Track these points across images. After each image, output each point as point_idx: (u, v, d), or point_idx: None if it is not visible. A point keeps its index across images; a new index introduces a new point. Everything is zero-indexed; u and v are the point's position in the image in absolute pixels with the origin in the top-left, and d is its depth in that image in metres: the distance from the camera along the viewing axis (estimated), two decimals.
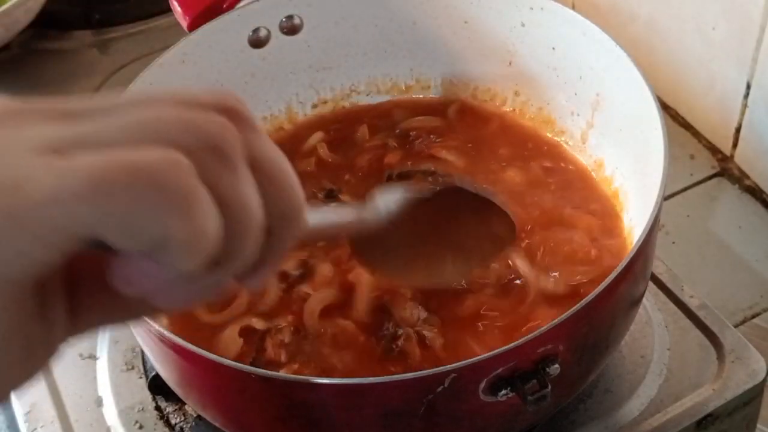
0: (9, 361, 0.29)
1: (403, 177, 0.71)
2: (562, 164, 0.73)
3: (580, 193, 0.70)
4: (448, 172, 0.71)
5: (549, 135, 0.75)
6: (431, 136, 0.76)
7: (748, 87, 0.82)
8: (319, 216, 0.46)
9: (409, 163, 0.73)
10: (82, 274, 0.31)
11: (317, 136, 0.77)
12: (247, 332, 0.62)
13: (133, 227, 0.27)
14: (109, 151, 0.27)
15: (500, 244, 0.61)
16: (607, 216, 0.68)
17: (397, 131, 0.77)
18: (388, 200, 0.55)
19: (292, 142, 0.77)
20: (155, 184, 0.27)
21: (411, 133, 0.76)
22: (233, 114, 0.31)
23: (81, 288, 0.31)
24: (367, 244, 0.55)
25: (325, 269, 0.65)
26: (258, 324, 0.62)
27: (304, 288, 0.64)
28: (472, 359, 0.49)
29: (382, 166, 0.74)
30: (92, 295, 0.31)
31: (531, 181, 0.71)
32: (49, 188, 0.26)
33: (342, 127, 0.79)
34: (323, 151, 0.75)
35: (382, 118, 0.79)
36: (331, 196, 0.70)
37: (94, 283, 0.31)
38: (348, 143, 0.77)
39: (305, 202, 0.33)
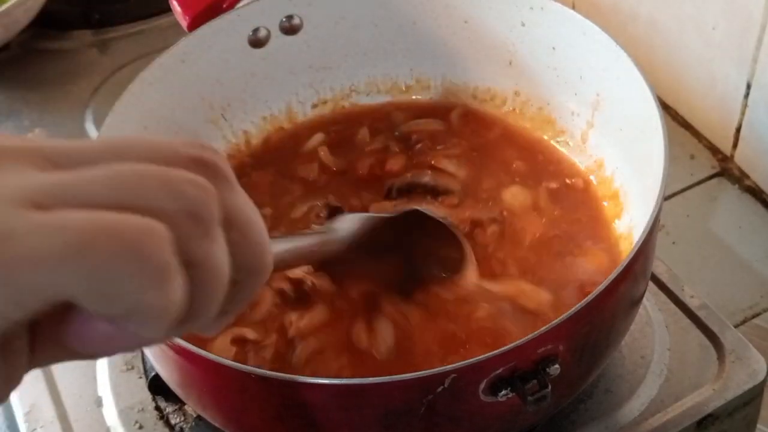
0: None
1: (403, 191, 0.71)
2: (568, 181, 0.72)
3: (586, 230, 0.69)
4: (447, 186, 0.70)
5: (549, 137, 0.75)
6: (433, 141, 0.76)
7: (749, 87, 0.82)
8: (284, 246, 0.50)
9: (409, 174, 0.72)
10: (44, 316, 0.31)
11: (318, 138, 0.77)
12: (238, 341, 0.62)
13: (108, 294, 0.27)
14: (90, 211, 0.28)
15: (452, 268, 0.64)
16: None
17: (397, 133, 0.77)
18: (349, 223, 0.58)
19: (292, 143, 0.77)
20: (135, 255, 0.27)
21: (412, 137, 0.76)
22: (210, 169, 0.31)
23: (43, 327, 0.31)
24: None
25: (318, 314, 0.63)
26: (250, 334, 0.62)
27: (294, 317, 0.63)
28: (472, 359, 0.49)
29: (384, 173, 0.73)
30: (53, 334, 0.31)
31: (534, 204, 0.70)
32: (30, 248, 0.27)
33: (342, 128, 0.79)
34: (324, 154, 0.75)
35: (383, 120, 0.79)
36: (333, 215, 0.69)
37: (54, 325, 0.31)
38: (348, 146, 0.77)
39: (271, 254, 0.34)
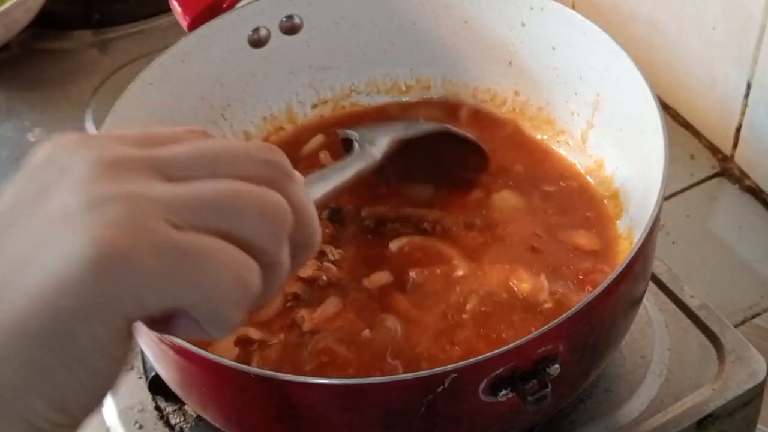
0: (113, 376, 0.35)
1: (380, 223, 0.69)
2: (563, 184, 0.72)
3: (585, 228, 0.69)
4: (425, 216, 0.70)
5: (549, 137, 0.75)
6: None
7: (749, 87, 0.82)
8: (325, 185, 0.58)
9: (386, 207, 0.71)
10: None
11: (318, 140, 0.77)
12: (242, 341, 0.62)
13: (212, 310, 0.35)
14: (208, 239, 0.34)
15: (475, 170, 0.72)
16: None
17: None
18: (381, 144, 0.66)
19: (292, 144, 0.77)
20: (239, 285, 0.35)
21: None
22: (278, 169, 0.38)
23: None
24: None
25: (332, 305, 0.64)
26: (255, 334, 0.62)
27: (304, 313, 0.63)
28: (472, 359, 0.49)
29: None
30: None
31: (528, 205, 0.71)
32: (167, 264, 0.33)
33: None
34: (325, 157, 0.75)
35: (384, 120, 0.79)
36: (334, 218, 0.69)
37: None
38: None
39: (320, 231, 0.40)
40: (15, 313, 0.32)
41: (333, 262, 0.66)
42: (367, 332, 0.62)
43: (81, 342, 0.33)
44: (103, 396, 0.35)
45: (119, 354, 0.34)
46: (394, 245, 0.67)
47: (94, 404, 0.35)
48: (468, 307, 0.63)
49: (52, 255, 0.32)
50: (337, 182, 0.60)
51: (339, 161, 0.65)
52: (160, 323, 0.36)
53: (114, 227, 0.32)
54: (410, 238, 0.68)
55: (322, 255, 0.66)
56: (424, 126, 0.71)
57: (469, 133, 0.72)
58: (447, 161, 0.71)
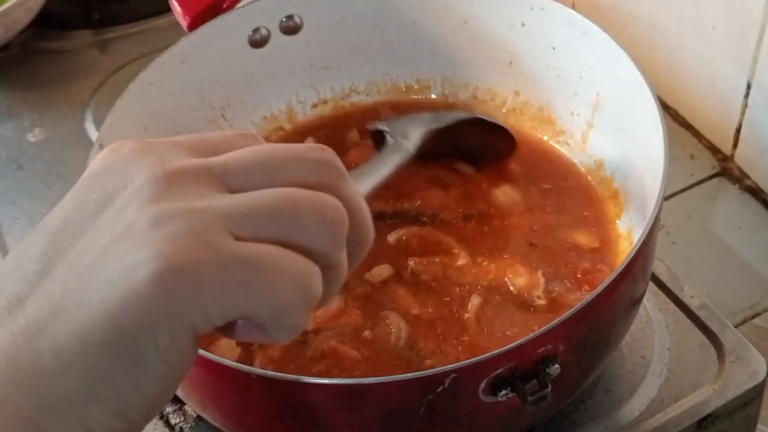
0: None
1: (378, 217, 0.69)
2: (562, 183, 0.72)
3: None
4: (432, 212, 0.70)
5: (549, 137, 0.75)
6: None
7: (749, 87, 0.82)
8: (366, 182, 0.59)
9: (391, 201, 0.70)
10: None
11: (308, 142, 0.77)
12: (244, 341, 0.62)
13: (275, 317, 0.35)
14: (269, 248, 0.35)
15: (502, 153, 0.73)
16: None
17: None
18: (414, 137, 0.67)
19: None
20: (301, 292, 0.35)
21: None
22: (331, 169, 0.38)
23: None
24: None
25: (334, 302, 0.63)
26: None
27: None
28: (472, 359, 0.49)
29: None
30: None
31: (527, 203, 0.71)
32: (230, 276, 0.34)
33: (332, 132, 0.78)
34: None
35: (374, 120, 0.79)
36: None
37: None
38: (338, 146, 0.76)
39: (373, 229, 0.40)
40: (81, 323, 0.33)
41: None
42: (368, 333, 0.62)
43: (145, 353, 0.33)
44: (163, 403, 0.36)
45: (181, 363, 0.35)
46: (392, 237, 0.67)
47: (154, 411, 0.36)
48: (470, 299, 0.63)
49: (118, 268, 0.33)
50: (377, 179, 0.61)
51: (375, 157, 0.66)
52: (223, 327, 0.36)
53: (178, 242, 0.33)
54: (408, 228, 0.68)
55: None
56: (454, 114, 0.73)
57: (497, 120, 0.74)
58: (474, 146, 0.73)
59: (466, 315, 0.62)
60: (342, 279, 0.39)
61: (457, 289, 0.64)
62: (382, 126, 0.69)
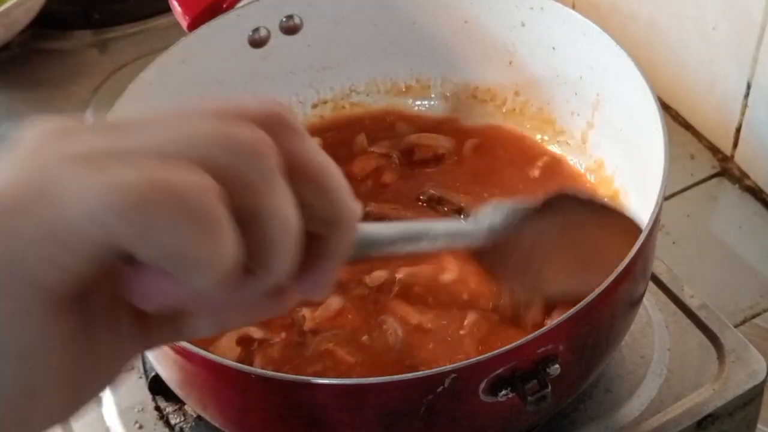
0: (66, 378, 0.29)
1: (434, 201, 0.70)
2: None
3: None
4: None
5: (549, 137, 0.75)
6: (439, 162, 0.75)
7: (749, 87, 0.82)
8: (414, 231, 0.45)
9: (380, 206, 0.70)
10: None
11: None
12: (244, 341, 0.62)
13: (158, 243, 0.28)
14: (142, 166, 0.28)
15: (625, 251, 0.53)
16: None
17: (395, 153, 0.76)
18: (492, 215, 0.52)
19: None
20: (185, 207, 0.28)
21: (414, 153, 0.76)
22: (275, 121, 0.31)
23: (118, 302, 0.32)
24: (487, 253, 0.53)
25: (333, 304, 0.63)
26: (256, 333, 0.62)
27: (306, 312, 0.63)
28: (472, 359, 0.49)
29: (380, 182, 0.73)
30: (121, 300, 0.31)
31: None
32: (82, 202, 0.27)
33: (338, 133, 0.78)
34: None
35: (385, 128, 0.78)
36: None
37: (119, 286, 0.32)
38: (346, 150, 0.76)
39: (353, 203, 0.34)
40: None
41: None
42: (366, 338, 0.62)
43: None
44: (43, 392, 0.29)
45: (45, 339, 0.28)
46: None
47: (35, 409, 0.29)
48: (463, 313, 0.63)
49: None
50: (434, 234, 0.47)
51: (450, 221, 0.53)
52: (133, 287, 0.30)
53: (17, 174, 0.28)
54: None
55: None
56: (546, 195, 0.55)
57: (613, 204, 0.60)
58: (587, 243, 0.57)
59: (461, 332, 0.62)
60: (282, 238, 0.31)
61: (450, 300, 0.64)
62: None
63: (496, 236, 0.51)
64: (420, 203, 0.71)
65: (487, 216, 0.52)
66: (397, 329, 0.61)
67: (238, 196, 0.29)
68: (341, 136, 0.78)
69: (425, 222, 0.48)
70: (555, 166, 0.74)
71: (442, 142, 0.76)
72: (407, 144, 0.76)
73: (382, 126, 0.79)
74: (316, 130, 0.78)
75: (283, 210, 0.30)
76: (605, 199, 0.60)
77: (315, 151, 0.32)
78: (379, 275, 0.65)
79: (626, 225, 0.56)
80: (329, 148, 0.75)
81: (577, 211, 0.56)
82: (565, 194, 0.56)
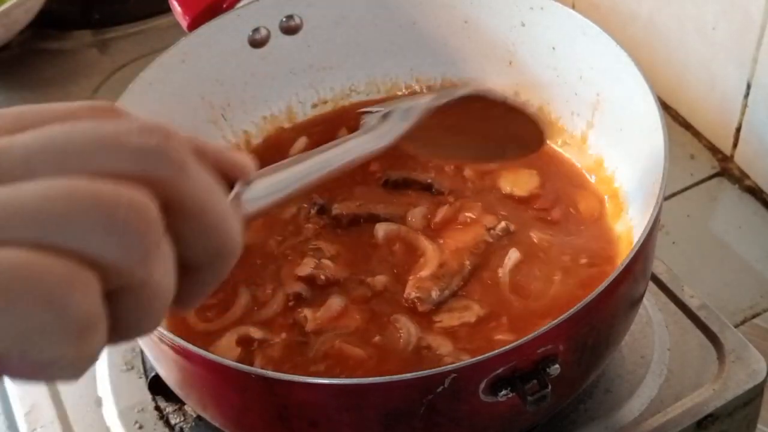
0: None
1: (399, 185, 0.71)
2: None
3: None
4: (442, 186, 0.70)
5: (549, 137, 0.75)
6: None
7: (749, 87, 0.82)
8: (333, 156, 0.44)
9: (356, 203, 0.70)
10: None
11: (301, 143, 0.77)
12: (244, 341, 0.62)
13: (29, 348, 0.26)
14: (12, 252, 0.26)
15: (526, 148, 0.62)
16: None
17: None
18: (399, 119, 0.52)
19: (278, 147, 0.77)
20: (52, 309, 0.26)
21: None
22: (155, 160, 0.29)
23: None
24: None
25: (335, 304, 0.63)
26: (256, 333, 0.62)
27: (307, 313, 0.63)
28: (472, 359, 0.49)
29: (367, 173, 0.73)
30: None
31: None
32: None
33: (324, 129, 0.78)
34: None
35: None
36: (322, 213, 0.70)
37: None
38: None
39: (239, 235, 0.32)
40: None
41: (330, 258, 0.66)
42: (378, 338, 0.62)
43: None
44: None
45: None
46: (379, 233, 0.68)
47: None
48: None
49: None
50: (353, 153, 0.47)
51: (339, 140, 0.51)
52: None
53: None
54: (388, 225, 0.68)
55: (318, 252, 0.66)
56: (458, 91, 0.60)
57: (519, 103, 0.64)
58: (489, 134, 0.62)
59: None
60: (162, 302, 0.29)
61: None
62: (369, 109, 0.55)
63: (406, 136, 0.52)
64: (386, 189, 0.71)
65: (395, 119, 0.52)
66: (410, 328, 0.61)
67: (115, 278, 0.28)
68: (326, 130, 0.78)
69: (324, 148, 0.45)
70: (555, 165, 0.74)
71: None
72: None
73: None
74: (317, 129, 0.78)
75: (159, 283, 0.29)
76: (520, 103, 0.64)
77: (200, 188, 0.30)
78: (380, 279, 0.65)
79: (532, 130, 0.61)
80: (315, 144, 0.76)
81: (487, 107, 0.60)
82: (476, 95, 0.60)
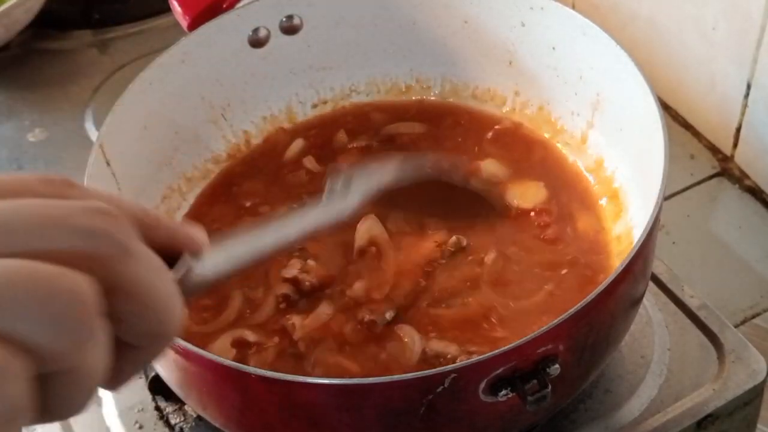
0: None
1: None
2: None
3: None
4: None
5: (549, 137, 0.75)
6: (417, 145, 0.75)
7: (748, 87, 0.82)
8: (289, 230, 0.45)
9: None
10: None
11: (297, 145, 0.77)
12: (239, 343, 0.62)
13: None
14: None
15: (489, 215, 0.66)
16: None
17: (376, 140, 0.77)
18: (359, 192, 0.53)
19: (276, 150, 0.77)
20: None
21: (396, 140, 0.76)
22: (99, 244, 0.30)
23: None
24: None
25: (323, 312, 0.63)
26: (250, 336, 0.62)
27: (296, 320, 0.63)
28: (471, 359, 0.49)
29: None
30: None
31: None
32: None
33: (320, 131, 0.78)
34: (309, 163, 0.75)
35: (363, 122, 0.78)
36: None
37: None
38: (329, 147, 0.76)
39: (178, 317, 0.32)
40: None
41: (312, 256, 0.66)
42: (384, 355, 0.61)
43: None
44: None
45: None
46: (360, 232, 0.67)
47: None
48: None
49: None
50: (309, 224, 0.47)
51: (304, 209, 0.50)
52: None
53: None
54: (369, 225, 0.67)
55: (303, 251, 0.66)
56: (415, 171, 0.61)
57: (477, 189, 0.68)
58: (446, 209, 0.66)
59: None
60: (92, 385, 0.29)
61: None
62: (335, 174, 0.55)
63: (355, 212, 0.52)
64: None
65: (356, 190, 0.53)
66: (415, 337, 0.61)
67: (49, 363, 0.28)
68: (325, 134, 0.78)
69: (280, 222, 0.46)
70: (553, 164, 0.74)
71: (417, 129, 0.77)
72: (386, 134, 0.77)
73: (361, 120, 0.79)
74: (317, 129, 0.78)
75: (87, 372, 0.29)
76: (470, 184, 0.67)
77: (142, 271, 0.31)
78: (359, 287, 0.64)
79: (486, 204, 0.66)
80: (312, 148, 0.76)
81: (443, 190, 0.64)
82: (439, 181, 0.64)
